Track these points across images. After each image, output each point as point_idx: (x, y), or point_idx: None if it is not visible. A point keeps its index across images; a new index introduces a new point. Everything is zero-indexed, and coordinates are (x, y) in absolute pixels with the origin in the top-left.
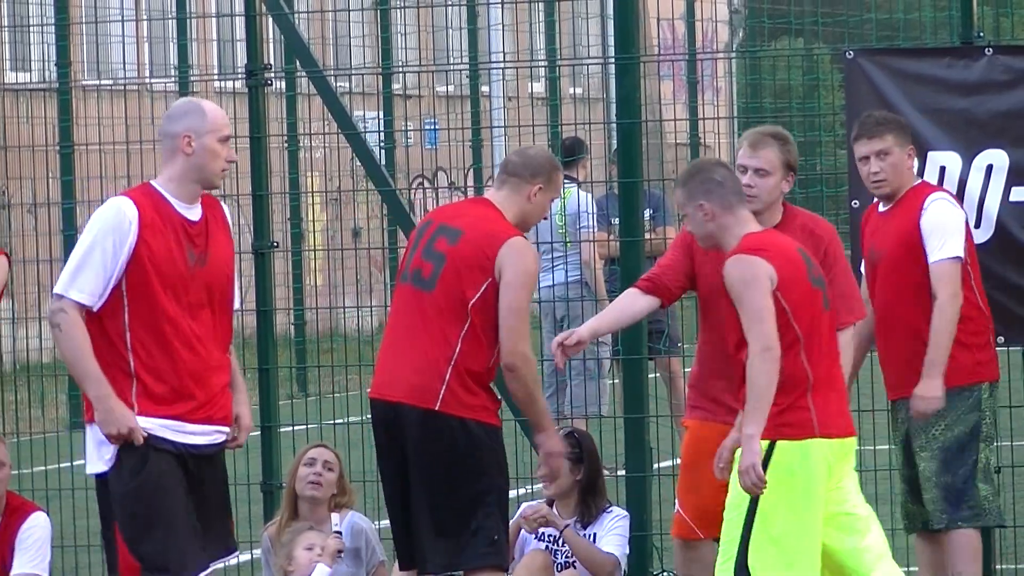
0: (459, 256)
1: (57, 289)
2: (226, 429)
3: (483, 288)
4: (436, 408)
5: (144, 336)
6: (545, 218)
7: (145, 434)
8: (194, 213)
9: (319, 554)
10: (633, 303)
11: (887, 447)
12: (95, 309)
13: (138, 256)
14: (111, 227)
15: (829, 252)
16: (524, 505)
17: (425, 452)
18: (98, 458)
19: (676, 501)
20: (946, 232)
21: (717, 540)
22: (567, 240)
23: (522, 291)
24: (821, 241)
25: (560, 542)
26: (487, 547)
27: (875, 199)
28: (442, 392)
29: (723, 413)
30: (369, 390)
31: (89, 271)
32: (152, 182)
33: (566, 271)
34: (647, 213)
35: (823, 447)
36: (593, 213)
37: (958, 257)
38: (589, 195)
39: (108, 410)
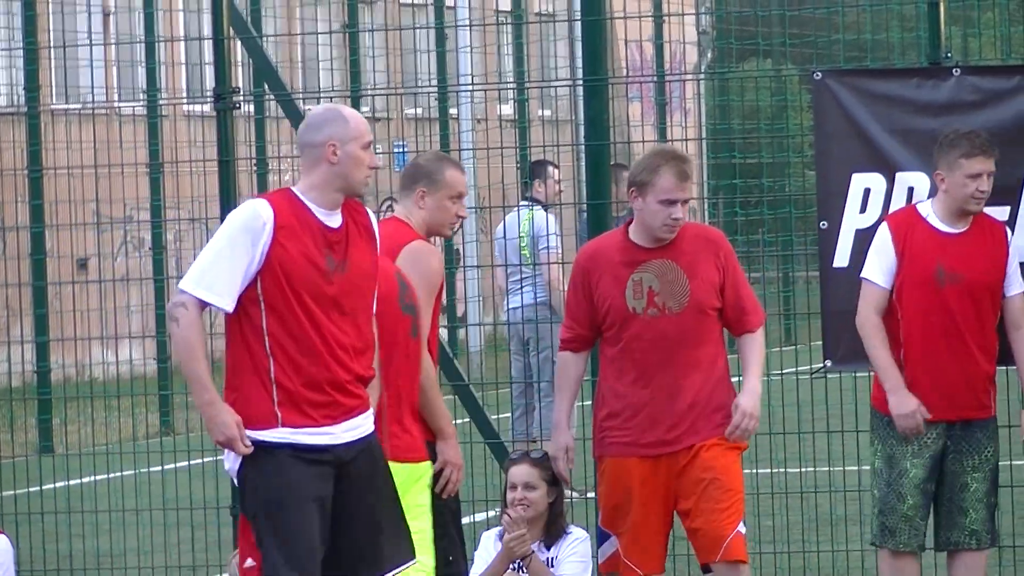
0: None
1: (182, 284)
2: (369, 426)
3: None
4: None
5: (284, 341)
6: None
7: (250, 444)
8: (334, 220)
9: None
10: (579, 368)
11: (855, 468)
12: (229, 310)
13: (273, 259)
14: (244, 227)
15: (728, 258)
16: (503, 533)
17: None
18: (229, 456)
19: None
20: (1018, 264)
21: None
22: (533, 262)
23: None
24: (718, 247)
25: (522, 569)
26: None
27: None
28: None
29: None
30: None
31: (218, 270)
32: (292, 188)
33: (534, 293)
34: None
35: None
36: (559, 235)
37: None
38: (551, 216)
39: (210, 417)
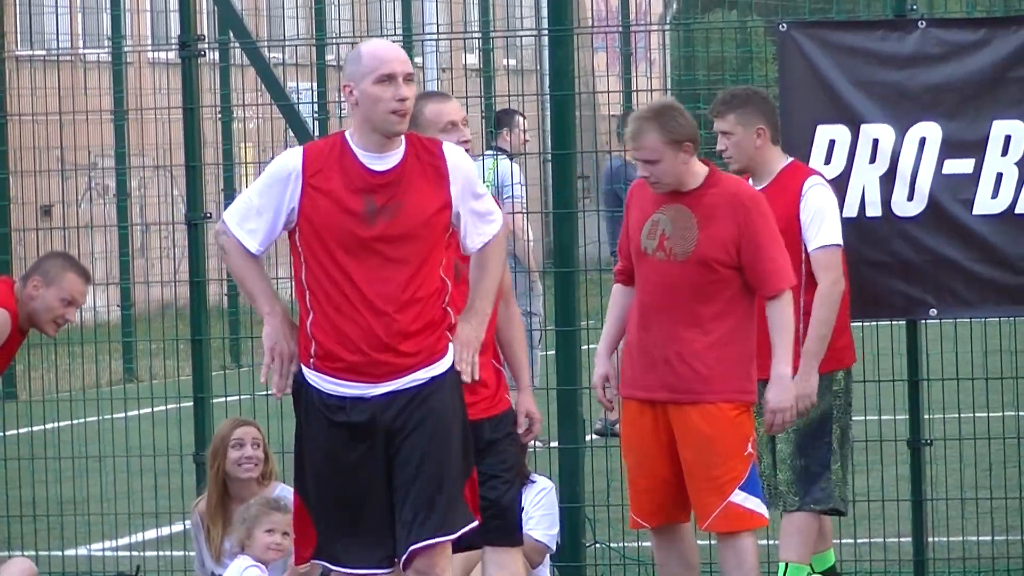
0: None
1: (225, 216)
2: (425, 375)
3: None
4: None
5: (319, 295)
6: None
7: (282, 375)
8: (382, 163)
9: (277, 543)
10: (628, 300)
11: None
12: (254, 252)
13: (304, 208)
14: (272, 176)
15: (752, 217)
16: None
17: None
18: None
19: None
20: (824, 218)
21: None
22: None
23: None
24: (744, 206)
25: None
26: None
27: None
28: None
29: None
30: None
31: (249, 209)
32: (346, 131)
33: None
34: None
35: None
36: (524, 184)
37: (839, 244)
38: (516, 165)
39: (265, 328)
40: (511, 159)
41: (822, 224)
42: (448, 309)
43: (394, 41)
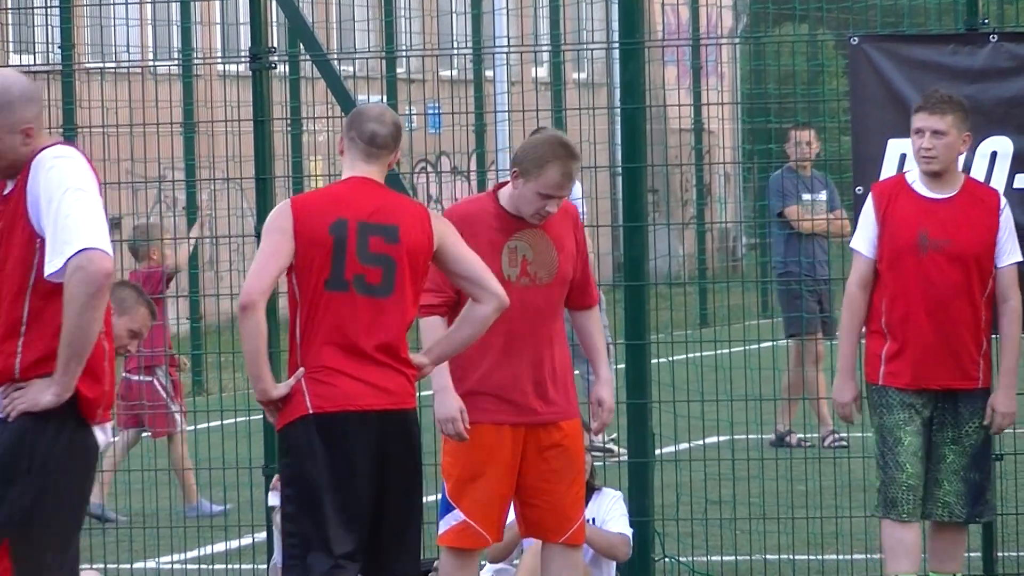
0: (408, 254)
1: None
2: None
3: (423, 277)
4: (412, 407)
5: None
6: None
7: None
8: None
9: None
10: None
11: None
12: None
13: None
14: None
15: (580, 231)
16: None
17: (409, 454)
18: None
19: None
20: (1014, 235)
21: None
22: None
23: (466, 244)
24: (575, 219)
25: None
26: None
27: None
28: (411, 390)
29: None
30: (322, 403)
31: None
32: None
33: None
34: (823, 195)
35: None
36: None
37: (1021, 261)
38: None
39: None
40: None
41: (1015, 241)
42: None
43: (464, 54)
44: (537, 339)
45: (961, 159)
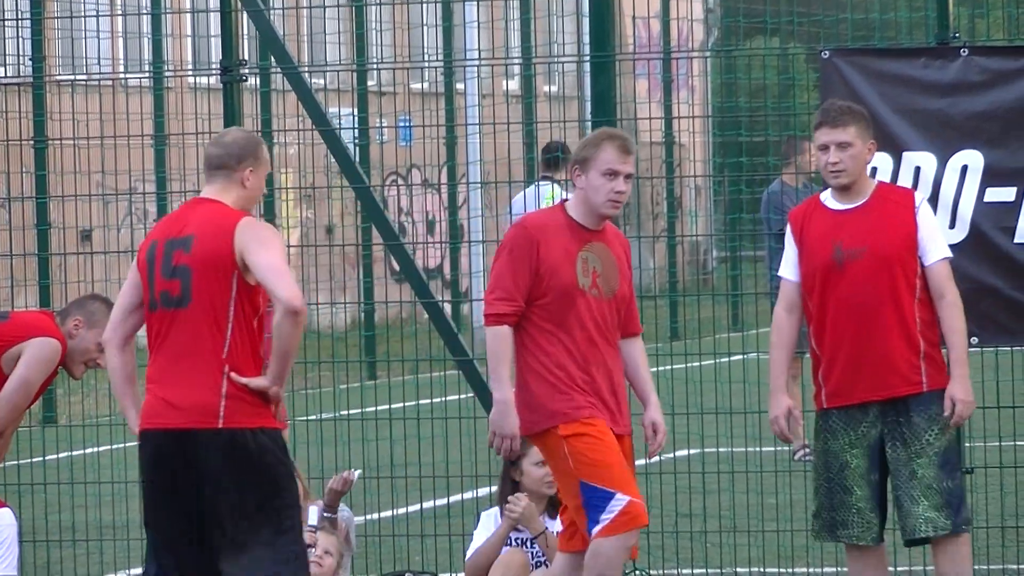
0: (200, 262)
1: None
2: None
3: (234, 285)
4: (219, 426)
5: None
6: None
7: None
8: None
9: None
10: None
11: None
12: None
13: None
14: None
15: (630, 260)
16: (511, 498)
17: (222, 473)
18: None
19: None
20: (938, 232)
21: None
22: None
23: (270, 249)
24: (627, 248)
25: (531, 542)
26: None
27: (817, 194)
28: (222, 407)
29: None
30: (142, 421)
31: None
32: None
33: None
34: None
35: None
36: None
37: (951, 256)
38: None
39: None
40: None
41: (940, 236)
42: None
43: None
44: (608, 350)
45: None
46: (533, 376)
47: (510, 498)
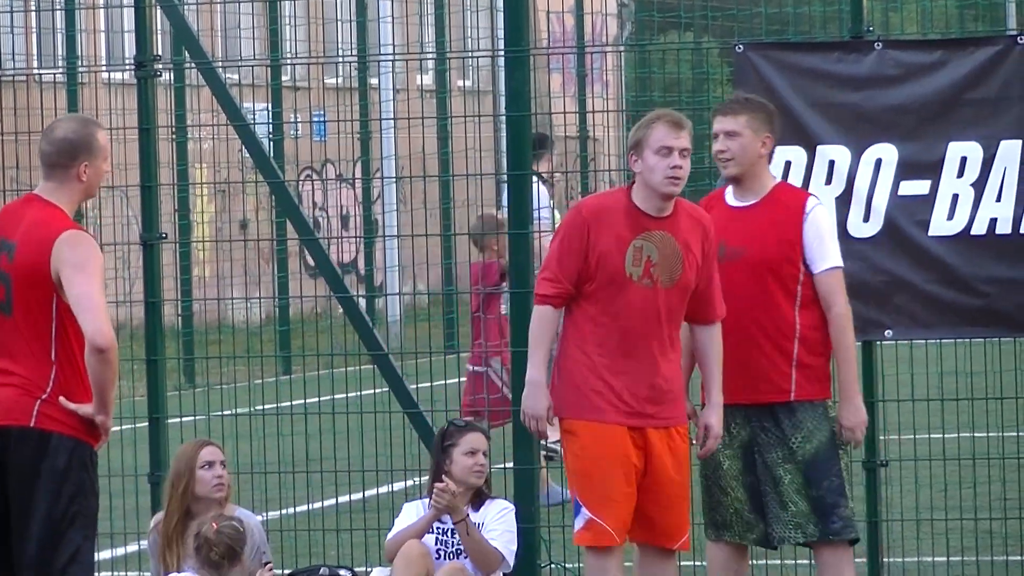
0: (20, 275)
1: None
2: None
3: (54, 303)
4: (31, 424)
5: None
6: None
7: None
8: None
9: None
10: (556, 325)
11: None
12: None
13: None
14: None
15: (711, 243)
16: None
17: (26, 469)
18: None
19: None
20: (829, 239)
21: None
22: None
23: (86, 275)
24: (707, 230)
25: (451, 532)
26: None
27: (720, 187)
28: (36, 409)
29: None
30: None
31: None
32: None
33: None
34: None
35: None
36: (551, 207)
37: (841, 266)
38: (544, 188)
39: None
40: (543, 182)
41: (831, 245)
42: None
43: (348, 62)
44: (653, 342)
45: (829, 165)
46: (564, 359)
47: (437, 485)
